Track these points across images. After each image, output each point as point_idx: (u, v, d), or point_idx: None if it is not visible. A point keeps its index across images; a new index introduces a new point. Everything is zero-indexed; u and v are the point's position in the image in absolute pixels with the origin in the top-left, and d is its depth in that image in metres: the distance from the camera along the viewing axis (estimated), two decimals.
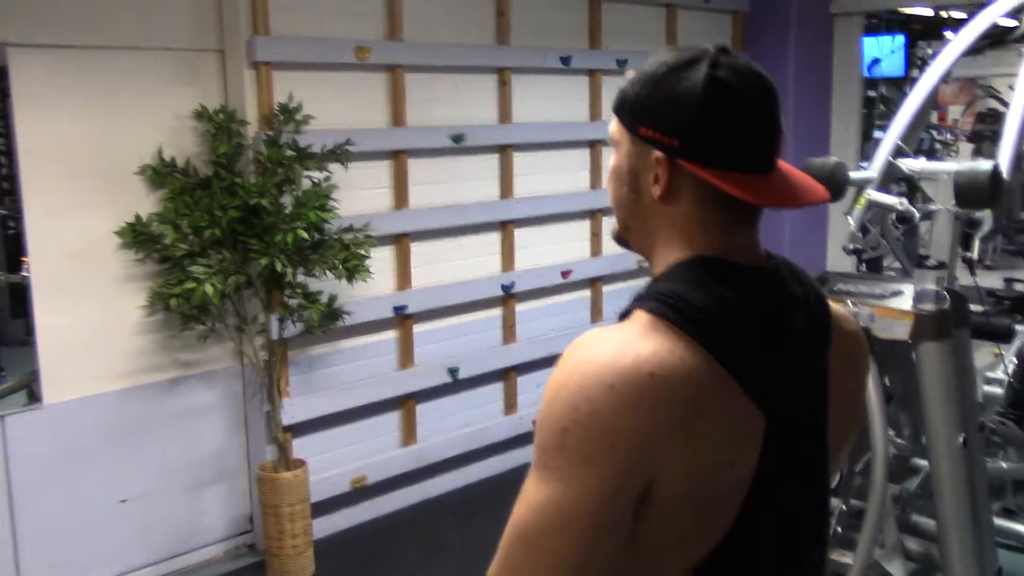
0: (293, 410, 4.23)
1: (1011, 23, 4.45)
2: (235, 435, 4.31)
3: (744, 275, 1.21)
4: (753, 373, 1.15)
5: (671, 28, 5.78)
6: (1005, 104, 7.75)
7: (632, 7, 5.56)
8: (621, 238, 1.32)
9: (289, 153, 3.90)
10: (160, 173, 3.86)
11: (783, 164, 1.23)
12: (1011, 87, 7.65)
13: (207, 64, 4.08)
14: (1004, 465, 4.08)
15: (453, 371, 4.85)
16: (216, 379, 4.21)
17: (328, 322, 4.10)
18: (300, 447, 4.31)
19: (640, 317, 1.15)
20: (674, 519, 1.15)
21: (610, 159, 1.29)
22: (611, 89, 5.38)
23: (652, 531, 1.16)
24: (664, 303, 1.15)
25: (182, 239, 3.78)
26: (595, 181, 5.47)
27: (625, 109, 1.23)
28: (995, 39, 4.42)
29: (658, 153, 1.19)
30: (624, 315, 1.19)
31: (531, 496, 1.13)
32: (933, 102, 4.32)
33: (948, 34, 4.72)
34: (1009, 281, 5.53)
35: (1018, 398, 4.28)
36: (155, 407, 4.05)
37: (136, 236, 3.81)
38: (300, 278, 3.98)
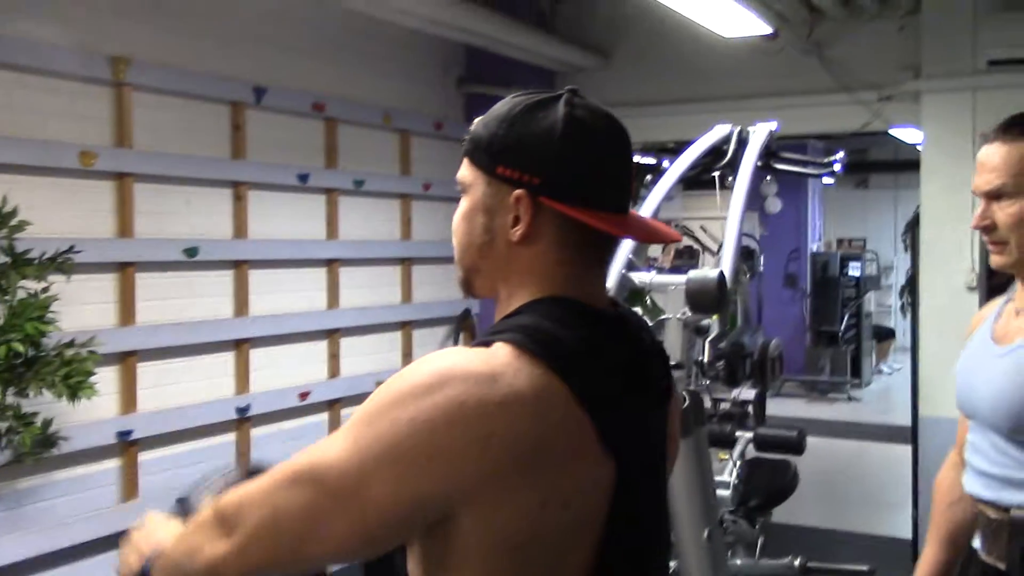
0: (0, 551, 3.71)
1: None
2: None
3: (601, 319, 1.21)
4: (611, 417, 1.13)
5: (405, 152, 5.90)
6: (699, 242, 8.53)
7: (367, 131, 5.63)
8: (467, 282, 1.29)
9: (2, 260, 3.53)
10: None
11: (632, 212, 1.26)
12: (702, 227, 8.38)
13: None
14: (738, 562, 4.27)
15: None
16: None
17: (41, 449, 3.67)
18: None
19: (502, 348, 1.11)
20: (500, 559, 1.09)
21: (461, 204, 1.26)
22: (349, 208, 5.41)
23: (481, 570, 1.10)
24: (529, 336, 1.12)
25: None
26: (332, 301, 5.38)
27: (480, 150, 1.21)
28: (704, 167, 4.85)
29: (518, 192, 1.17)
30: (480, 345, 1.14)
31: (329, 452, 1.09)
32: (657, 213, 4.66)
33: (665, 163, 5.15)
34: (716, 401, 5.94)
35: (743, 499, 4.54)
36: None
37: None
38: (10, 399, 3.56)
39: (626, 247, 4.06)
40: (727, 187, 4.70)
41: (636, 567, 1.20)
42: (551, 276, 1.19)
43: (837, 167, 4.68)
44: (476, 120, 1.25)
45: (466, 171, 1.24)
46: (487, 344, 1.12)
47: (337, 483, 1.06)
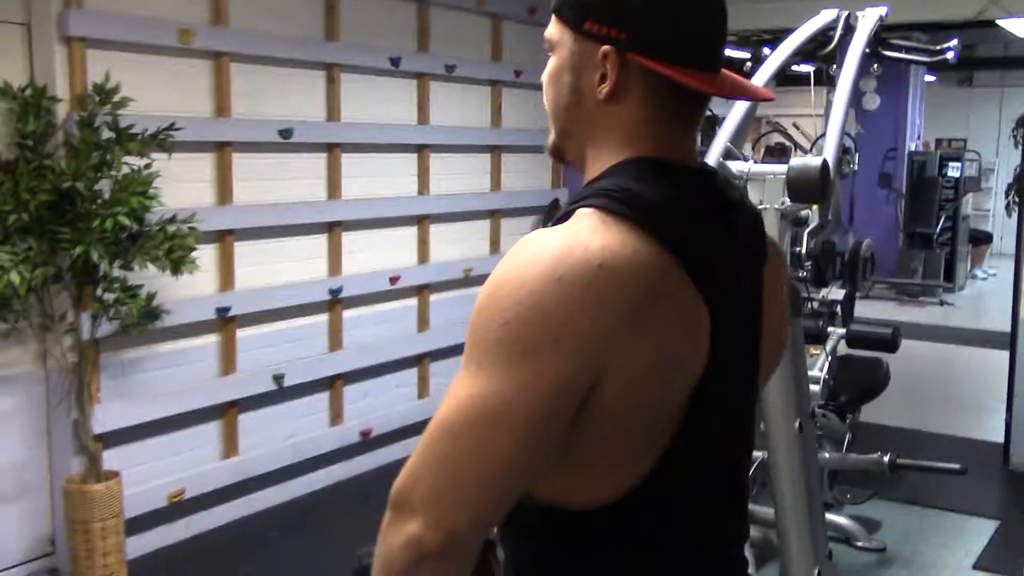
0: (105, 417, 3.87)
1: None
2: (36, 447, 3.90)
3: (689, 175, 1.18)
4: (705, 271, 1.11)
5: (496, 38, 5.80)
6: (790, 139, 8.28)
7: (460, 14, 5.53)
8: (557, 148, 1.25)
9: (107, 135, 3.59)
10: None
11: (724, 71, 1.21)
12: (795, 124, 8.12)
13: (9, 37, 3.71)
14: (827, 455, 4.25)
15: (278, 378, 4.61)
16: (15, 384, 3.80)
17: (146, 321, 3.79)
18: (111, 459, 3.95)
19: (586, 213, 1.09)
20: (619, 424, 1.09)
21: (548, 64, 1.21)
22: (439, 93, 5.35)
23: (596, 439, 1.09)
24: (613, 198, 1.09)
25: None
26: (422, 186, 5.38)
27: (567, 5, 1.17)
28: (808, 54, 4.66)
29: (606, 48, 1.13)
30: (563, 218, 1.11)
31: (460, 392, 1.05)
32: (755, 109, 4.53)
33: (765, 50, 4.97)
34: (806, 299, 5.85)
35: (833, 394, 4.50)
36: None
37: None
38: (116, 272, 3.66)
39: (723, 135, 3.97)
40: (821, 84, 4.53)
41: (721, 426, 1.19)
42: (637, 135, 1.16)
43: (950, 55, 4.44)
44: None
45: (553, 28, 1.20)
46: (570, 214, 1.10)
47: (482, 414, 1.03)
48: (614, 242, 1.05)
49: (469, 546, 1.07)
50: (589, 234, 1.06)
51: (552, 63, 1.21)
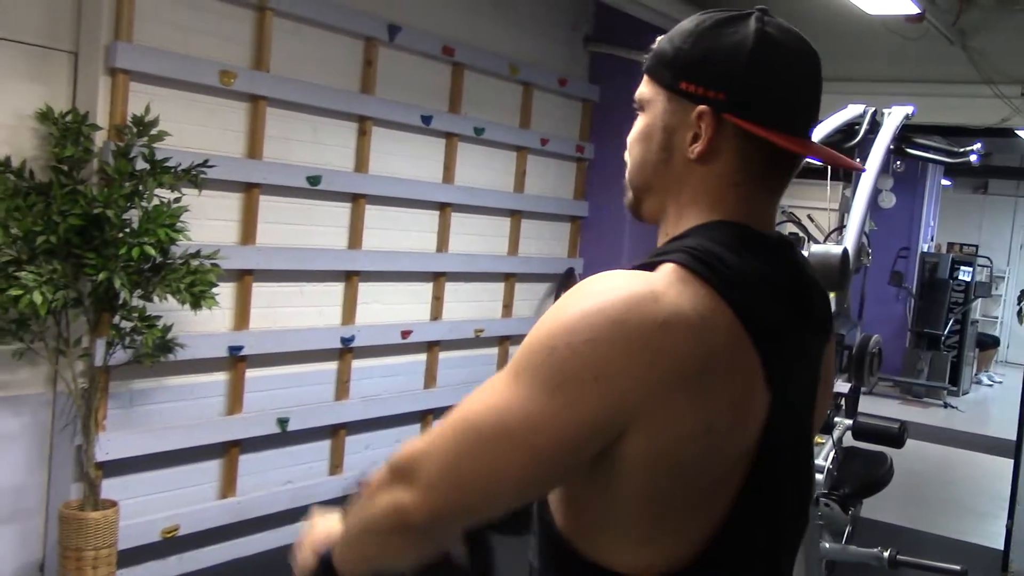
0: (108, 446, 3.86)
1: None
2: (36, 470, 3.88)
3: (770, 246, 1.17)
4: (773, 345, 1.09)
5: (527, 105, 5.90)
6: (804, 230, 8.36)
7: (492, 79, 5.64)
8: (636, 202, 1.26)
9: (141, 166, 3.65)
10: None
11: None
12: (809, 216, 8.18)
13: (57, 64, 3.80)
14: (827, 545, 4.21)
15: (283, 422, 4.60)
16: (23, 405, 3.80)
17: (159, 352, 3.81)
18: (109, 488, 3.93)
19: (668, 267, 1.08)
20: (657, 485, 1.07)
21: (637, 123, 1.23)
22: (467, 154, 5.44)
23: (634, 498, 1.08)
24: (695, 257, 1.09)
25: (10, 244, 3.43)
26: (441, 244, 5.43)
27: (662, 65, 1.19)
28: (833, 145, 4.74)
29: (702, 107, 1.14)
30: (642, 267, 1.12)
31: (493, 394, 1.07)
32: None
33: None
34: None
35: (836, 485, 4.47)
36: None
37: None
38: (136, 301, 3.69)
39: None
40: (837, 178, 4.59)
41: (778, 506, 1.17)
42: (724, 198, 1.16)
43: (974, 157, 4.53)
44: (660, 38, 1.22)
45: (645, 88, 1.21)
46: (652, 267, 1.10)
47: (509, 423, 1.04)
48: (686, 303, 1.05)
49: (448, 532, 1.14)
50: (663, 288, 1.05)
51: (642, 121, 1.22)
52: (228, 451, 4.45)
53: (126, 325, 3.69)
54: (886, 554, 4.23)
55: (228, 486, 4.46)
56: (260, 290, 4.47)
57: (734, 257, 1.10)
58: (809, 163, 1.31)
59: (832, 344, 1.33)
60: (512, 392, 1.05)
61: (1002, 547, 5.44)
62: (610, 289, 1.06)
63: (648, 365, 1.02)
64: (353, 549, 1.20)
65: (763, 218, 1.18)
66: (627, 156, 1.26)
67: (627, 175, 1.26)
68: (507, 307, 5.94)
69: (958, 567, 4.22)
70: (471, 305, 5.70)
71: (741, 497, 1.10)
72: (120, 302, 3.63)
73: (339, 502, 1.34)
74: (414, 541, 1.11)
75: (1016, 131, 6.30)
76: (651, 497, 1.08)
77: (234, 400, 4.43)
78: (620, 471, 1.07)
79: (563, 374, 1.03)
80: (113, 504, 3.77)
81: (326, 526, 1.29)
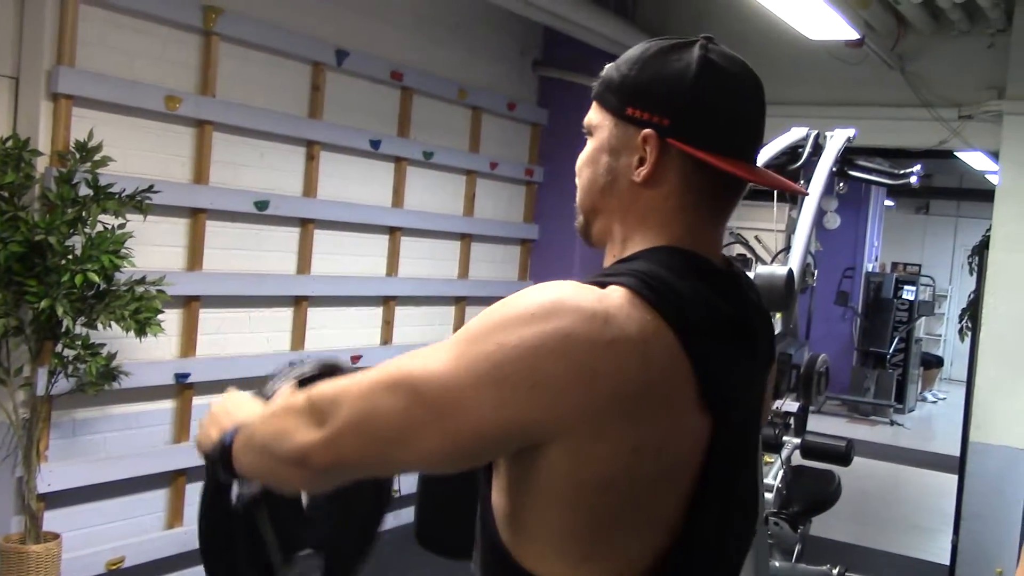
0: (50, 477, 3.78)
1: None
2: None
3: (716, 273, 1.19)
4: (716, 373, 1.12)
5: (476, 129, 5.92)
6: (752, 251, 8.46)
7: (441, 103, 5.65)
8: (585, 225, 1.27)
9: (84, 192, 3.60)
10: None
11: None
12: (756, 238, 8.27)
13: None
14: (776, 564, 4.24)
15: None
16: None
17: (103, 381, 3.74)
18: (52, 519, 3.84)
19: (616, 290, 1.10)
20: (581, 500, 1.08)
21: (586, 147, 1.25)
22: (416, 178, 5.44)
23: (561, 510, 1.09)
24: (644, 282, 1.10)
25: None
26: (391, 268, 5.41)
27: (610, 91, 1.21)
28: (777, 168, 4.81)
29: (647, 131, 1.16)
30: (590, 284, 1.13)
31: (431, 363, 1.08)
32: None
33: None
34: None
35: (785, 503, 4.52)
36: None
37: None
38: (79, 329, 3.63)
39: None
40: (784, 200, 4.66)
41: (724, 529, 1.18)
42: (670, 222, 1.18)
43: (913, 179, 4.61)
44: (608, 65, 1.24)
45: (594, 114, 1.24)
46: (601, 285, 1.11)
47: (435, 396, 1.06)
48: (633, 327, 1.06)
49: (339, 480, 1.19)
50: (615, 309, 1.06)
51: (590, 146, 1.24)
52: (175, 480, 4.38)
53: (69, 353, 3.62)
54: (835, 571, 4.27)
55: (175, 516, 4.38)
56: (207, 316, 4.42)
57: (682, 283, 1.12)
58: (756, 186, 1.33)
59: (772, 368, 1.35)
60: (450, 368, 1.06)
61: (948, 563, 5.52)
62: (565, 299, 1.07)
63: (587, 384, 1.04)
64: (250, 455, 1.24)
65: (709, 243, 1.20)
66: (577, 180, 1.28)
67: (577, 199, 1.28)
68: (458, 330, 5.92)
69: None
70: (422, 329, 5.69)
71: (687, 517, 1.12)
72: (63, 330, 3.57)
73: (261, 380, 1.35)
74: (307, 478, 1.18)
75: (955, 153, 6.44)
76: (585, 511, 1.09)
77: (181, 428, 4.36)
78: (547, 481, 1.08)
79: (502, 372, 1.04)
80: (56, 536, 3.69)
81: (240, 410, 1.31)
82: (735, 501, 1.21)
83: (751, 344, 1.21)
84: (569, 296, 1.07)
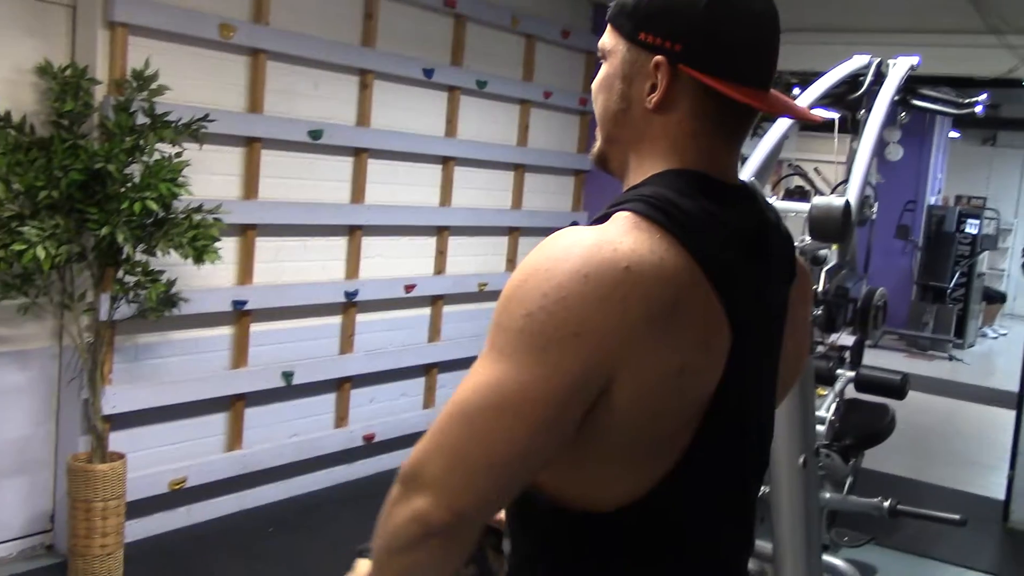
0: (115, 399, 3.90)
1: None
2: (43, 423, 3.93)
3: (728, 192, 1.20)
4: (731, 285, 1.13)
5: (529, 57, 5.85)
6: (810, 183, 8.31)
7: (494, 32, 5.59)
8: (602, 154, 1.28)
9: (142, 121, 3.65)
10: None
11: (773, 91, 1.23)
12: (816, 169, 8.08)
13: (55, 18, 3.78)
14: (827, 495, 4.25)
15: (287, 375, 4.63)
16: (29, 359, 3.85)
17: (164, 307, 3.83)
18: (117, 440, 3.97)
19: (621, 216, 1.11)
20: (631, 428, 1.10)
21: (600, 71, 1.25)
22: (469, 108, 5.40)
23: (607, 440, 1.11)
24: (650, 204, 1.11)
25: (12, 199, 3.44)
26: (444, 198, 5.42)
27: (623, 15, 1.20)
28: (837, 97, 4.70)
29: (658, 58, 1.16)
30: (600, 219, 1.14)
31: (480, 376, 1.07)
32: (781, 146, 4.56)
33: (795, 91, 5.01)
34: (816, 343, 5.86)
35: (837, 436, 4.50)
36: None
37: None
38: (139, 256, 3.70)
39: (747, 172, 4.00)
40: (845, 131, 4.55)
41: (735, 446, 1.20)
42: (682, 147, 1.18)
43: (979, 108, 4.48)
44: None
45: (607, 37, 1.23)
46: (607, 217, 1.12)
47: (500, 399, 1.05)
48: (644, 247, 1.07)
49: (473, 527, 1.10)
50: (620, 236, 1.08)
51: (604, 70, 1.24)
52: (234, 404, 4.49)
53: (130, 280, 3.71)
54: (886, 504, 4.26)
55: (234, 439, 4.50)
56: (263, 244, 4.49)
57: (688, 202, 1.13)
58: (833, 105, 1.29)
59: (802, 291, 1.35)
60: (496, 369, 1.06)
61: (1003, 498, 5.48)
62: (570, 246, 1.08)
63: (621, 312, 1.05)
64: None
65: (722, 166, 1.20)
66: (593, 105, 1.28)
67: (597, 128, 1.28)
68: (511, 261, 5.94)
69: (957, 516, 4.26)
70: (475, 259, 5.71)
71: (696, 439, 1.13)
72: (123, 257, 3.65)
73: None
74: (441, 548, 1.07)
75: (1021, 85, 6.23)
76: (624, 438, 1.11)
77: (239, 354, 4.46)
78: (605, 417, 1.09)
79: (544, 337, 1.05)
80: (121, 456, 3.81)
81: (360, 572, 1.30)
82: (750, 419, 1.23)
83: (765, 261, 1.22)
84: (571, 243, 1.08)
